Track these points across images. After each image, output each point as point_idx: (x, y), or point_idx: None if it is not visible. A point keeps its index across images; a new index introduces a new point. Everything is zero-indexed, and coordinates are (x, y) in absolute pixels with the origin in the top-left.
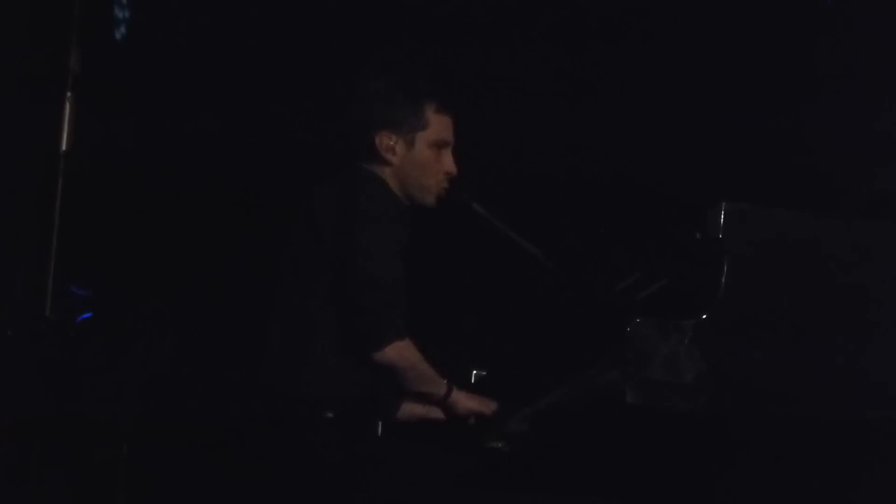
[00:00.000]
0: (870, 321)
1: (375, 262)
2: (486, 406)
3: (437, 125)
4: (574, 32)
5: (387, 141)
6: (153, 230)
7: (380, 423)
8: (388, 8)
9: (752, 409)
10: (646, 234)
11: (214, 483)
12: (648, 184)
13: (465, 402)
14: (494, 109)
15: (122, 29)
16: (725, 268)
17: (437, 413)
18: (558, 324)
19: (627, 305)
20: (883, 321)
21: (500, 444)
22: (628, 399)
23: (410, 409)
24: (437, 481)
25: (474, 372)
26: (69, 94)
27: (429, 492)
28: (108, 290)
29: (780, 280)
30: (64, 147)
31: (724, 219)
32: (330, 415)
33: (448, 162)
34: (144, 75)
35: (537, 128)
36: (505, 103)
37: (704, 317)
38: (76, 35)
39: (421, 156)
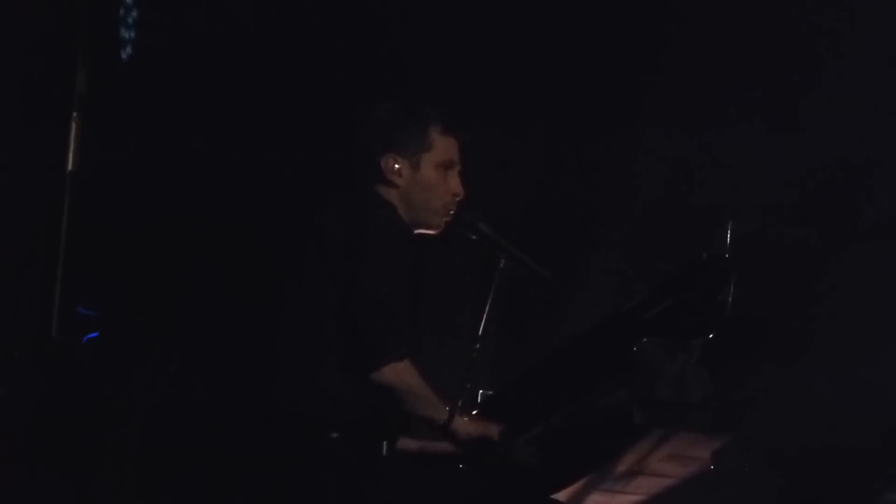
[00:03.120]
0: (875, 339)
1: (378, 283)
2: (488, 431)
3: (442, 146)
4: (577, 50)
5: (392, 163)
6: (159, 250)
7: (385, 444)
8: (394, 32)
9: (758, 427)
10: (653, 254)
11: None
12: (655, 203)
13: (466, 428)
14: (499, 130)
15: (129, 49)
16: (732, 286)
17: (433, 447)
18: (565, 343)
19: (635, 325)
20: (889, 339)
21: (506, 466)
22: (635, 419)
23: (405, 443)
24: (442, 502)
25: (480, 392)
26: (75, 114)
27: None
28: (115, 310)
29: (787, 299)
30: (70, 167)
31: (731, 238)
32: (335, 435)
33: (454, 183)
34: (150, 96)
35: (544, 148)
36: (510, 122)
37: (712, 336)
38: (82, 55)
39: (427, 177)
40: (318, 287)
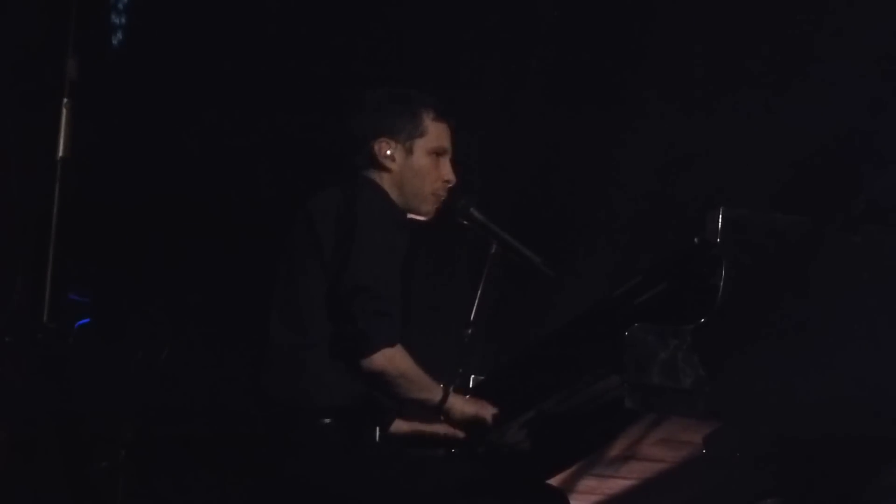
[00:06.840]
0: (868, 327)
1: (368, 269)
2: (484, 410)
3: (435, 133)
4: (570, 41)
5: (385, 147)
6: (150, 237)
7: (377, 430)
8: (388, 20)
9: (749, 416)
10: (644, 240)
11: (211, 490)
12: (646, 189)
13: (462, 406)
14: (492, 118)
15: (119, 35)
16: (723, 273)
17: (425, 429)
18: (557, 329)
19: (626, 311)
20: (881, 328)
21: (498, 450)
22: (627, 405)
23: (397, 426)
24: (435, 489)
25: (472, 377)
26: (66, 100)
27: (427, 499)
28: (106, 297)
29: (778, 286)
30: (61, 153)
31: (721, 224)
32: (327, 421)
33: (446, 170)
34: (141, 81)
35: (535, 135)
36: (504, 111)
37: (702, 322)
38: (73, 42)
39: (419, 163)
40: (309, 273)
